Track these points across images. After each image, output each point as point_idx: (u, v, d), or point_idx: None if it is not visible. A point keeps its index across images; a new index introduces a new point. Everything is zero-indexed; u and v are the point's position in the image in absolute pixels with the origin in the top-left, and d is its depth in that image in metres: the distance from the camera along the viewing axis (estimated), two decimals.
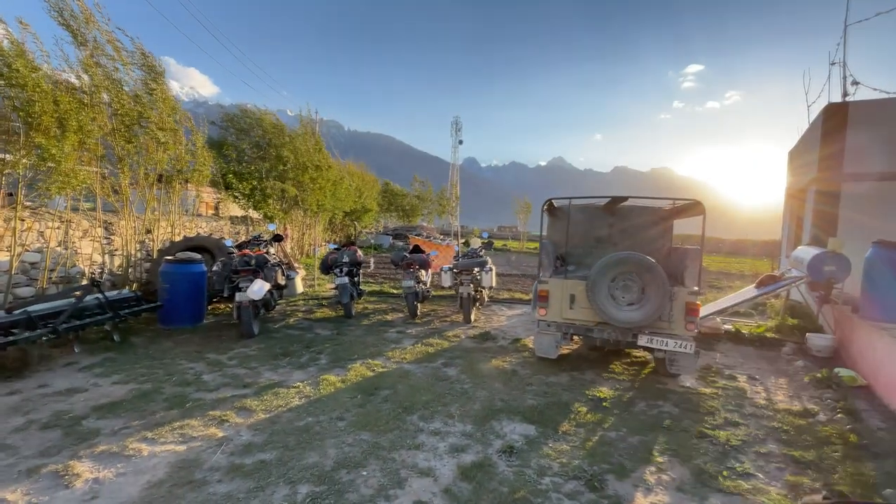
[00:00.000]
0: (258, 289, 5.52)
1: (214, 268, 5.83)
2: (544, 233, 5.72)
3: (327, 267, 7.37)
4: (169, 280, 6.18)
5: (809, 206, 8.89)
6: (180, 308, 6.17)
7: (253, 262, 5.93)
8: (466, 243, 9.24)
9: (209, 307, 7.24)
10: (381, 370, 4.87)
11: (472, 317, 7.24)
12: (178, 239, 8.07)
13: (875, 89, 8.22)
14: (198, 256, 6.61)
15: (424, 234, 21.64)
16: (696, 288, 4.49)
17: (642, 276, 4.42)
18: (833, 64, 8.92)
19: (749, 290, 6.98)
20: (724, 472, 3.04)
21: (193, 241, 7.79)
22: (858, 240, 6.52)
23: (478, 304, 7.75)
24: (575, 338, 5.26)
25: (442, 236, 21.10)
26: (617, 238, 5.70)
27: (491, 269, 7.50)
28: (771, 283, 6.66)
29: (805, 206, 9.59)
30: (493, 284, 7.98)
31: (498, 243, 31.30)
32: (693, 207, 4.95)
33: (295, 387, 4.28)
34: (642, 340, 4.51)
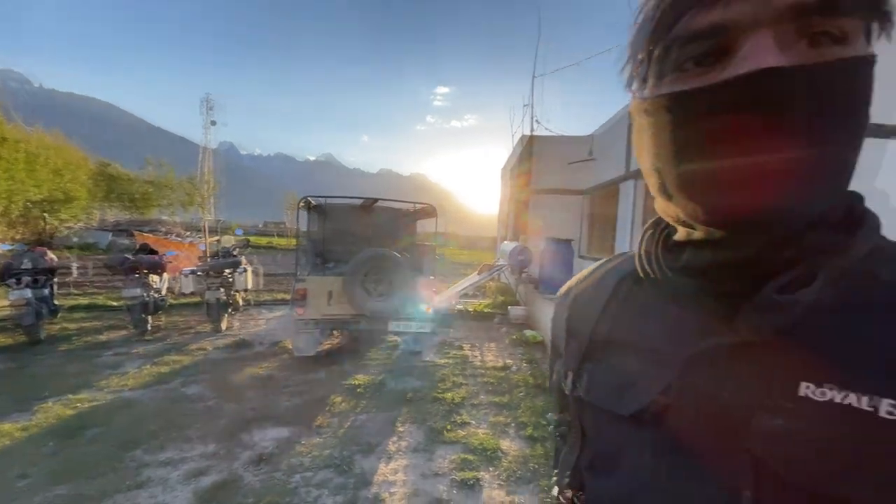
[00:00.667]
0: None
1: None
2: (303, 230, 5.69)
3: None
4: None
5: (512, 211, 11.69)
6: None
7: None
8: (218, 241, 8.23)
9: None
10: (88, 405, 3.88)
11: (224, 324, 6.55)
12: None
13: (547, 129, 11.41)
14: None
15: (163, 230, 18.04)
16: (432, 276, 5.33)
17: (391, 269, 4.96)
18: (525, 105, 11.92)
19: (474, 277, 8.70)
20: (448, 426, 3.75)
21: None
22: (539, 236, 9.01)
23: (230, 309, 7.04)
24: (335, 332, 5.45)
25: (189, 233, 18.00)
26: (371, 235, 6.17)
27: (245, 270, 6.93)
28: (487, 270, 8.51)
29: (510, 210, 12.55)
30: (250, 286, 7.40)
31: (262, 241, 28.86)
32: (428, 210, 5.84)
33: None
34: (392, 327, 5.06)
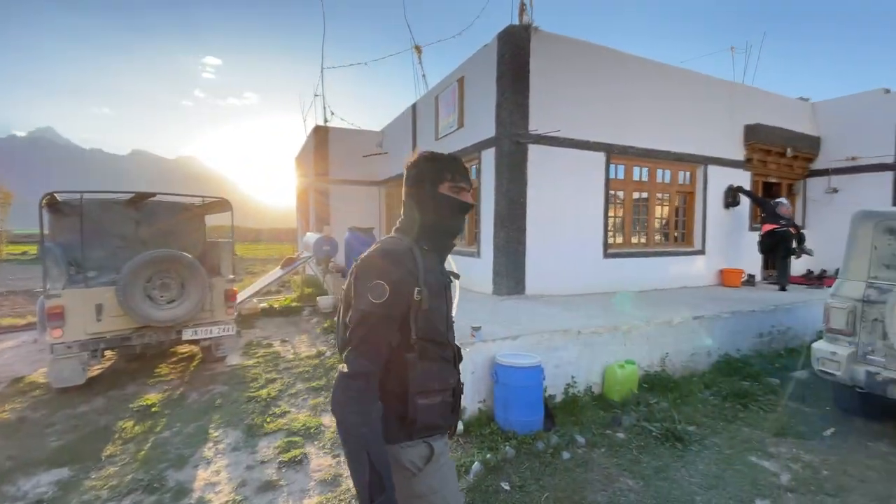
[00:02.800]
0: None
1: None
2: (47, 233, 4.58)
3: None
4: None
5: (312, 202, 11.63)
6: None
7: None
8: None
9: None
10: None
11: None
12: None
13: (342, 119, 11.71)
14: None
15: None
16: (231, 276, 5.09)
17: (181, 272, 4.53)
18: (317, 95, 11.89)
19: (276, 272, 8.46)
20: (268, 419, 3.83)
21: None
22: (342, 226, 9.33)
23: None
24: (108, 352, 4.65)
25: None
26: (147, 236, 5.38)
27: None
28: (290, 264, 8.40)
29: (308, 201, 12.43)
30: None
31: None
32: (221, 204, 5.47)
33: None
34: (187, 335, 4.66)
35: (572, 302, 5.66)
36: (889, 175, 8.08)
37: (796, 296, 6.60)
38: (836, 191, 8.84)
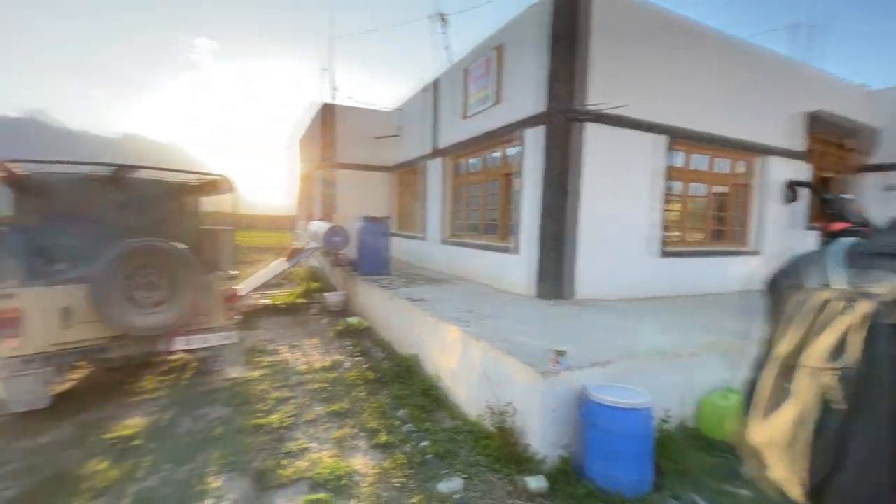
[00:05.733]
0: None
1: None
2: (6, 215, 3.65)
3: None
4: None
5: (317, 188, 10.66)
6: None
7: None
8: None
9: None
10: None
11: None
12: None
13: (350, 98, 10.69)
14: None
15: None
16: (233, 272, 4.19)
17: (171, 267, 3.61)
18: (324, 69, 10.86)
19: (281, 263, 7.54)
20: (283, 461, 2.98)
21: None
22: (349, 215, 8.41)
23: None
24: (77, 365, 3.74)
25: None
26: (129, 220, 4.40)
27: None
28: (296, 255, 7.48)
29: (314, 187, 11.45)
30: None
31: None
32: (221, 183, 4.52)
33: None
34: (179, 344, 3.77)
35: (630, 309, 4.84)
36: None
37: None
38: (895, 188, 8.09)
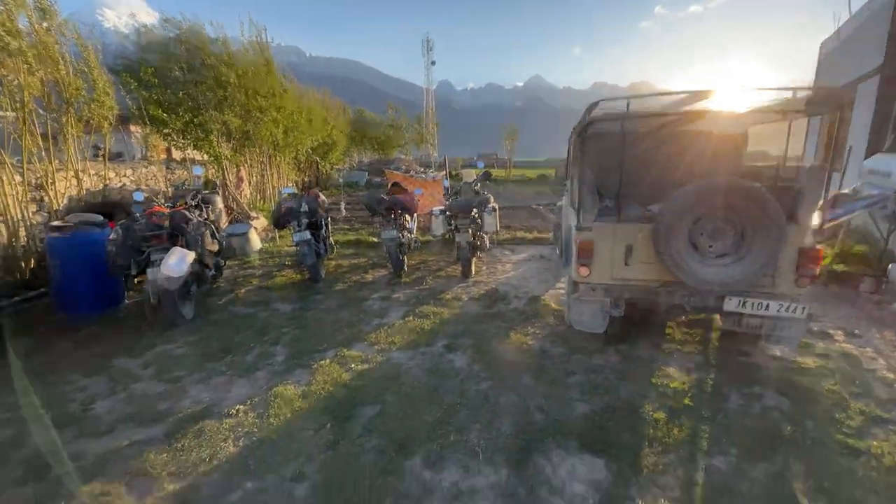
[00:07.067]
0: (176, 262, 3.91)
1: (112, 236, 4.13)
2: (577, 158, 4.01)
3: (280, 219, 5.68)
4: (58, 255, 4.51)
5: (866, 104, 7.38)
6: (79, 291, 4.56)
7: (167, 223, 4.24)
8: (458, 177, 7.56)
9: (136, 280, 5.55)
10: (360, 367, 3.47)
11: (473, 269, 5.82)
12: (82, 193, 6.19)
13: None
14: (99, 219, 4.88)
15: (403, 167, 19.57)
16: (817, 225, 3.06)
17: (744, 212, 2.95)
18: None
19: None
20: None
21: (106, 196, 5.99)
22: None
23: (478, 252, 6.31)
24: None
25: (423, 169, 19.05)
26: (691, 160, 4.04)
27: (494, 210, 5.95)
28: (850, 203, 5.29)
29: (854, 104, 8.07)
30: (498, 228, 6.46)
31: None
32: (822, 98, 3.12)
33: (232, 415, 2.86)
34: (730, 305, 3.15)
35: None
36: None
37: None
38: None
